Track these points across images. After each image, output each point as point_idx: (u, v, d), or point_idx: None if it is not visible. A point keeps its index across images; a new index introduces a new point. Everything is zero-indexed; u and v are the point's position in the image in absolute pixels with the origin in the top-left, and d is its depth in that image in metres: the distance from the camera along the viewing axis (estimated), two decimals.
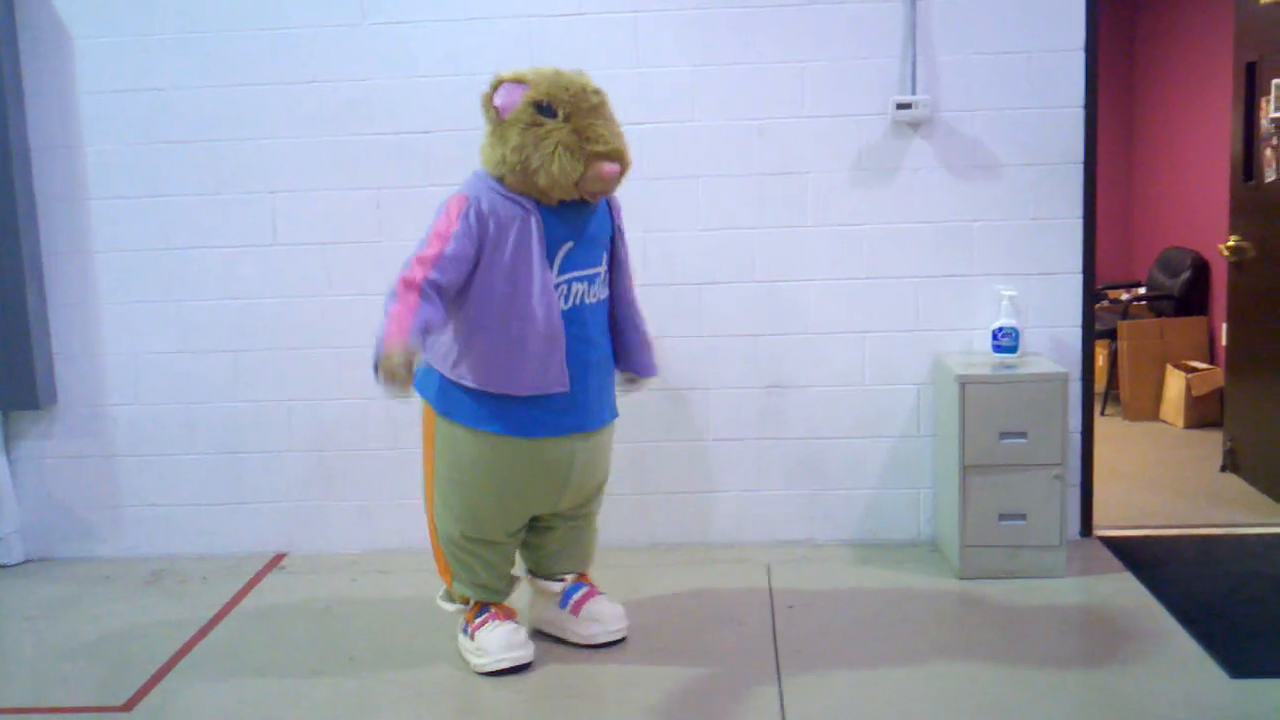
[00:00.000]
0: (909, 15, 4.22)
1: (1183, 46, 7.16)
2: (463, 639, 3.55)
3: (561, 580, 3.68)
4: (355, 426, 4.55)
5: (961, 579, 4.09)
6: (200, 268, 4.50)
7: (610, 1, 4.28)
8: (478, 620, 3.51)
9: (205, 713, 3.31)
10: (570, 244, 3.30)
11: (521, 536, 3.58)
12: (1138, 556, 4.25)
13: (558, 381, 3.28)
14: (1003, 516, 4.04)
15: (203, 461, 4.61)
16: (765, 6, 4.26)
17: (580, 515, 3.64)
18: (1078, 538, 4.44)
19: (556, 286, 3.27)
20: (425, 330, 3.17)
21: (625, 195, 4.25)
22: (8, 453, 4.59)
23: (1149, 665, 3.39)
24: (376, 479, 4.57)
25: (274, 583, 4.34)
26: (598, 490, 3.64)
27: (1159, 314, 6.78)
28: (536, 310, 3.21)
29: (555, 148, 3.15)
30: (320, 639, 3.81)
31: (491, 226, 3.20)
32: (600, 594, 3.70)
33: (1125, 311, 6.81)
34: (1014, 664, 3.42)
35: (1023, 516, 4.04)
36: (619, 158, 3.23)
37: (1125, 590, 3.96)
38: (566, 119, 3.17)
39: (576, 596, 3.66)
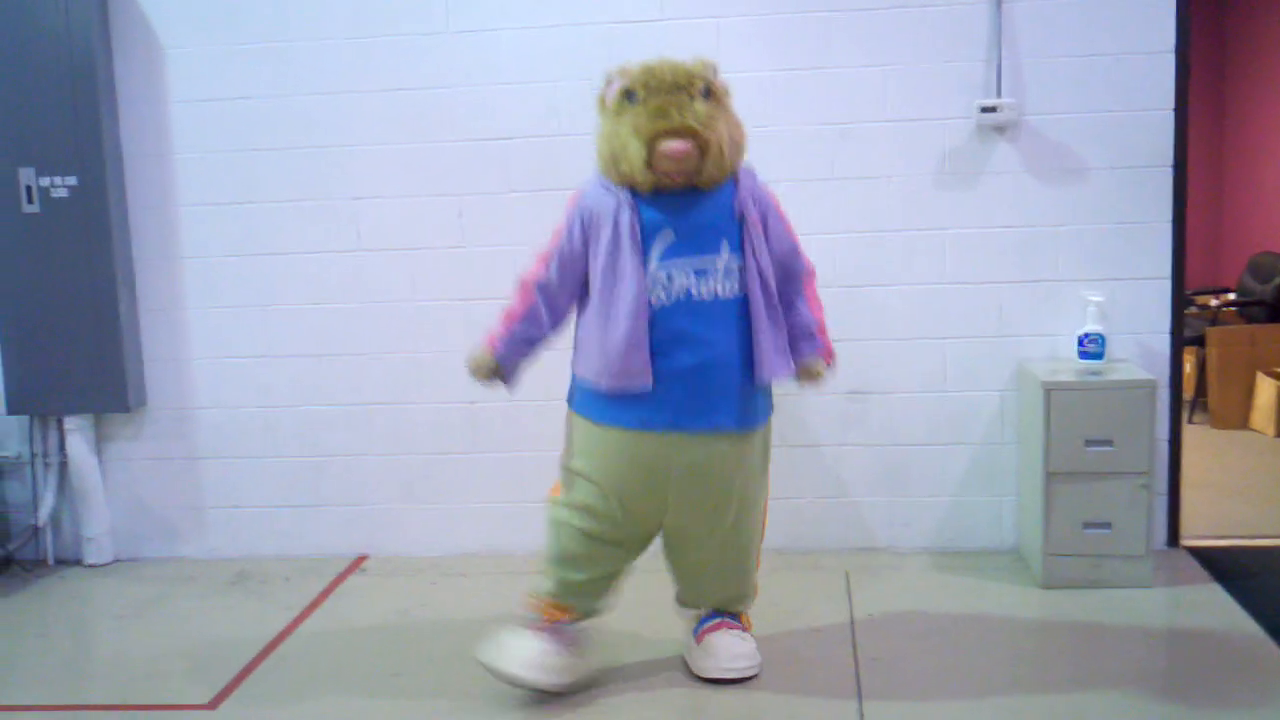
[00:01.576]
0: (993, 17, 4.18)
1: (1275, 48, 7.00)
2: (514, 629, 3.38)
3: (695, 610, 3.51)
4: (435, 431, 4.59)
5: (1044, 588, 4.02)
6: (284, 273, 4.57)
7: (692, 6, 4.29)
8: (536, 622, 3.36)
9: (288, 712, 3.36)
10: (669, 232, 3.14)
11: (629, 556, 3.39)
12: (1226, 567, 4.16)
13: (640, 377, 3.12)
14: (1087, 525, 3.97)
15: (285, 464, 4.67)
16: (847, 10, 4.23)
17: (716, 554, 3.37)
18: (1164, 548, 4.35)
19: (655, 278, 3.13)
20: (525, 345, 3.28)
21: None
22: (99, 454, 4.69)
23: (1236, 678, 3.31)
24: (456, 483, 4.61)
25: (355, 584, 4.39)
26: (720, 512, 3.29)
27: (1249, 320, 6.63)
28: (619, 301, 3.12)
29: (628, 133, 3.11)
30: (400, 641, 3.84)
31: (592, 221, 3.18)
32: (733, 628, 3.45)
33: (1214, 317, 6.67)
34: (1095, 675, 3.35)
35: (1108, 525, 3.97)
36: (686, 133, 3.06)
37: (1213, 602, 3.88)
38: (644, 102, 3.10)
39: (705, 626, 3.46)
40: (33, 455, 4.69)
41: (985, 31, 4.19)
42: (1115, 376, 4.00)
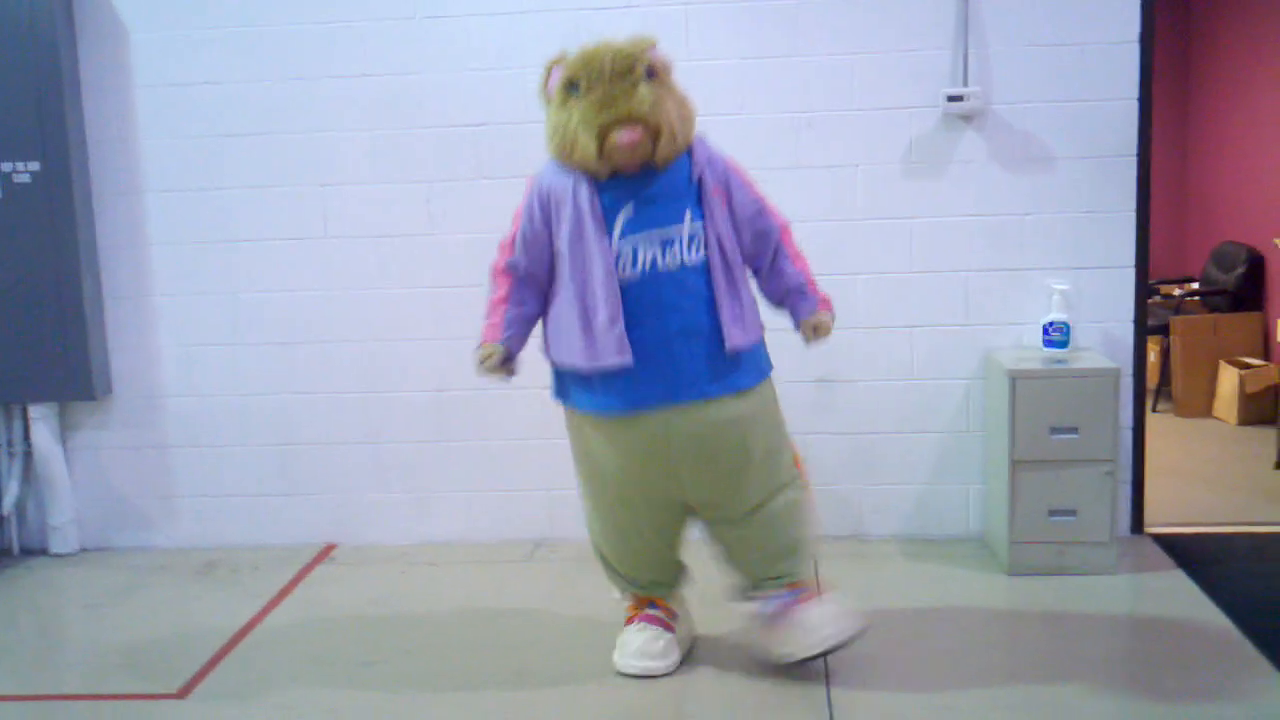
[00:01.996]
0: (960, 7, 4.20)
1: (1238, 39, 7.06)
2: (621, 632, 3.48)
3: (754, 599, 3.40)
4: (405, 419, 4.58)
5: (1010, 574, 4.06)
6: (253, 260, 4.55)
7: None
8: (630, 615, 3.47)
9: (259, 701, 3.35)
10: (629, 206, 3.12)
11: (674, 532, 3.39)
12: (1190, 554, 4.21)
13: (618, 352, 3.09)
14: (1053, 512, 4.02)
15: (255, 452, 4.66)
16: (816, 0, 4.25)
17: (753, 512, 3.30)
18: (1129, 534, 4.40)
19: (620, 254, 3.11)
20: (521, 324, 3.28)
21: None
22: (64, 443, 4.66)
23: (1198, 660, 3.36)
24: (426, 471, 4.60)
25: (324, 573, 4.39)
26: (740, 474, 3.24)
27: (1212, 309, 6.70)
28: (589, 279, 3.12)
29: (576, 125, 3.08)
30: (372, 630, 3.84)
31: (551, 201, 3.18)
32: (805, 601, 3.32)
33: (1178, 307, 6.74)
34: (1062, 662, 3.39)
35: (1073, 512, 4.01)
36: (634, 122, 3.03)
37: (1177, 588, 3.92)
38: (588, 93, 3.07)
39: (770, 610, 3.36)
40: None
41: (952, 20, 4.21)
42: (1080, 365, 4.04)
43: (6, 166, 4.39)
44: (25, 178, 4.40)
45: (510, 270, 3.26)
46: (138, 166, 4.54)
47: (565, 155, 3.14)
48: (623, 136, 3.03)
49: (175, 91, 4.49)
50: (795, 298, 3.33)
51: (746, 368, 3.25)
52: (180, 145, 4.52)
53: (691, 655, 3.50)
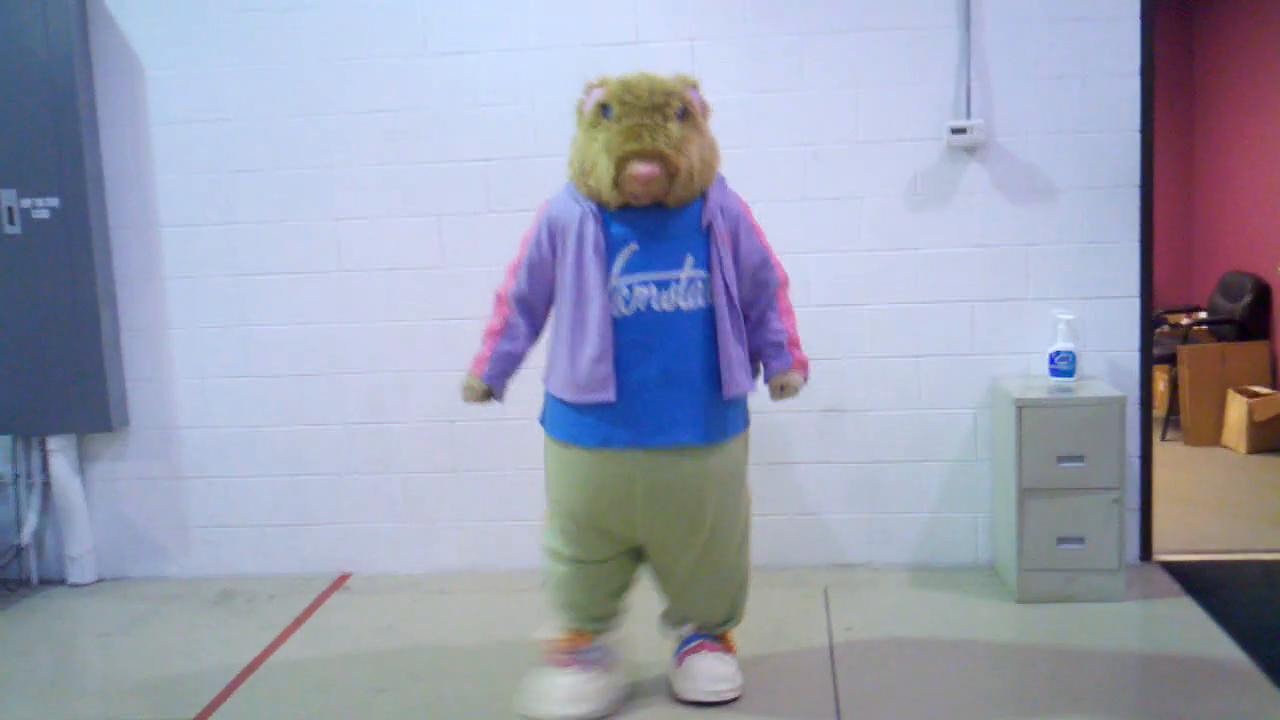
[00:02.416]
0: (963, 40, 4.26)
1: (1242, 70, 7.12)
2: (540, 673, 3.41)
3: (678, 630, 3.49)
4: (417, 449, 4.63)
5: (1019, 602, 4.08)
6: (266, 293, 4.61)
7: (668, 29, 4.36)
8: (558, 658, 3.38)
9: None
10: (633, 245, 3.13)
11: (623, 571, 3.38)
12: (1198, 581, 4.23)
13: (601, 388, 3.11)
14: (1061, 540, 4.04)
15: (268, 483, 4.71)
16: (819, 34, 4.31)
17: (694, 568, 3.33)
18: (1137, 562, 4.42)
19: (616, 290, 3.12)
20: (508, 360, 3.32)
21: None
22: (82, 474, 4.72)
23: (1207, 686, 3.38)
24: (437, 501, 4.64)
25: (338, 602, 4.42)
26: (693, 529, 3.25)
27: (1220, 338, 6.72)
28: (584, 314, 3.13)
29: (599, 150, 3.09)
30: (384, 657, 3.88)
31: (558, 230, 3.20)
32: (714, 649, 3.43)
33: (1186, 336, 6.77)
34: (1071, 684, 3.42)
35: (1081, 540, 4.03)
36: (654, 157, 3.03)
37: (1185, 615, 3.94)
38: (619, 120, 3.08)
39: (687, 648, 3.44)
40: (16, 475, 4.71)
41: (955, 54, 4.27)
42: (1086, 393, 4.07)
43: (26, 202, 4.46)
44: (44, 213, 4.48)
45: (511, 301, 3.30)
46: (153, 202, 4.61)
47: (582, 175, 3.16)
48: (640, 170, 3.03)
49: (189, 128, 4.56)
50: (773, 351, 3.35)
51: (730, 418, 3.26)
52: (194, 180, 4.59)
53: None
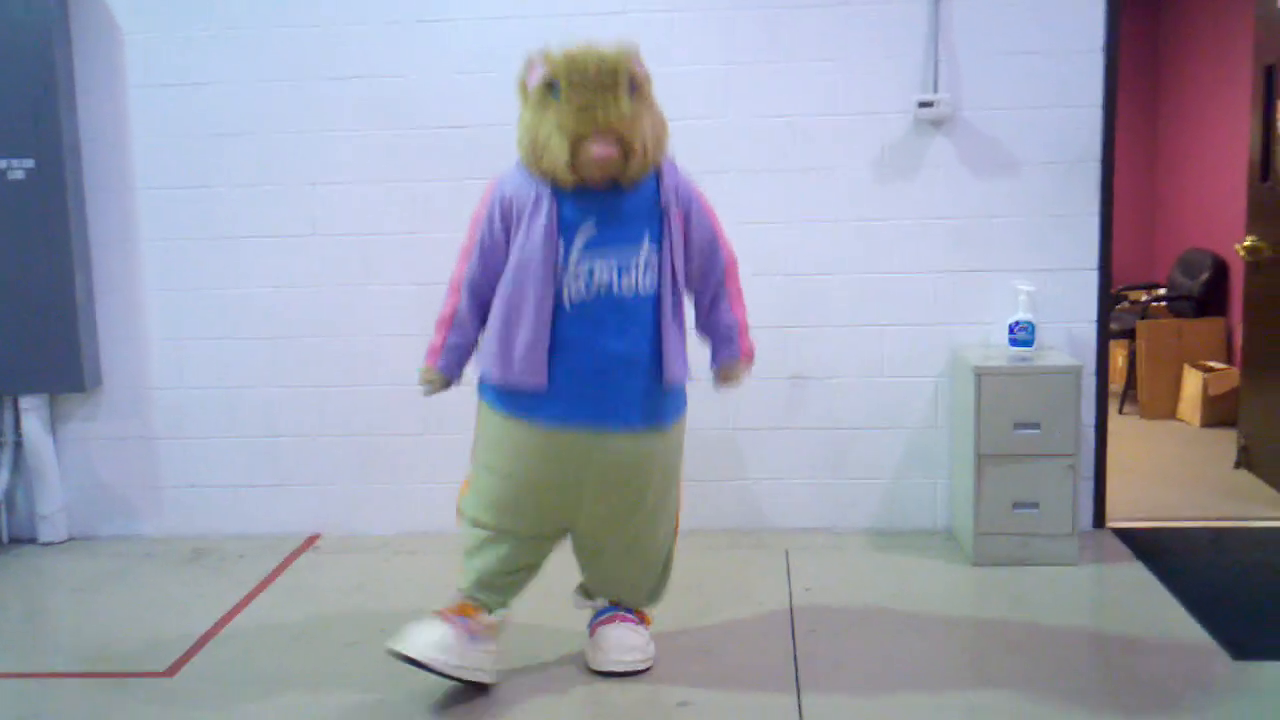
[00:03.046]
0: (932, 15, 4.34)
1: (1204, 48, 7.23)
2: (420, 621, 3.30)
3: (593, 601, 3.51)
4: (388, 412, 4.69)
5: (975, 565, 4.20)
6: (241, 257, 4.66)
7: (648, 1, 4.41)
8: (447, 614, 3.27)
9: (246, 679, 3.46)
10: (590, 225, 3.08)
11: (543, 549, 3.36)
12: (1149, 547, 4.35)
13: (535, 376, 3.09)
14: (1016, 505, 4.15)
15: (241, 444, 4.76)
16: (793, 7, 4.38)
17: (624, 551, 3.34)
18: (1090, 528, 4.54)
19: (576, 273, 3.07)
20: (459, 352, 3.27)
21: None
22: (54, 434, 4.76)
23: (1155, 646, 3.49)
24: (408, 463, 4.71)
25: (309, 561, 4.49)
26: (632, 511, 3.26)
27: (1178, 315, 6.85)
28: (523, 295, 3.08)
29: (551, 129, 3.01)
30: (355, 613, 3.95)
31: (512, 210, 3.12)
32: (626, 619, 3.44)
33: (1144, 312, 6.89)
34: (1023, 644, 3.53)
35: (1036, 505, 4.15)
36: (610, 138, 2.99)
37: (1135, 578, 4.07)
38: (568, 98, 2.99)
39: (600, 619, 3.46)
40: None
41: (924, 29, 4.35)
42: (1043, 363, 4.18)
43: (1, 163, 4.48)
44: (19, 174, 4.50)
45: (464, 289, 3.21)
46: (130, 165, 4.64)
47: (534, 160, 3.08)
48: (597, 150, 2.98)
49: (167, 92, 4.59)
50: (722, 339, 3.36)
51: (671, 405, 3.26)
52: (171, 144, 4.63)
53: (658, 623, 3.58)
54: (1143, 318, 6.80)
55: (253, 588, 4.20)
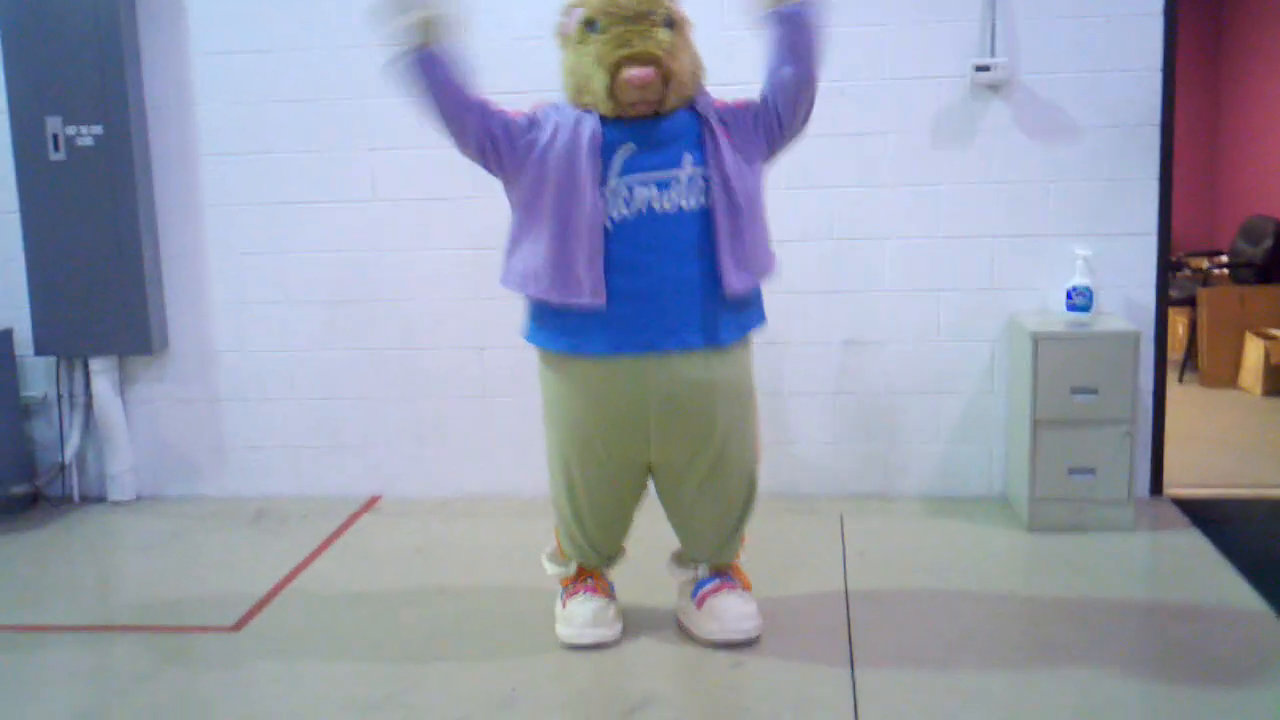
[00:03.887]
0: None
1: (1267, 13, 7.11)
2: (558, 604, 3.46)
3: (694, 569, 3.47)
4: (447, 375, 4.75)
5: (1030, 531, 4.20)
6: (303, 222, 4.73)
7: None
8: (572, 588, 3.43)
9: (309, 634, 3.54)
10: (630, 145, 3.07)
11: (629, 501, 3.36)
12: (1207, 515, 4.32)
13: (593, 292, 3.03)
14: (1072, 471, 4.14)
15: (302, 407, 4.85)
16: None
17: (705, 478, 3.26)
18: (1147, 496, 4.51)
19: (615, 191, 3.05)
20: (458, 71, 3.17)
21: None
22: (122, 395, 4.87)
23: (1211, 615, 3.48)
24: (467, 426, 4.77)
25: (369, 522, 4.57)
26: (705, 436, 3.18)
27: (1240, 282, 6.77)
28: (574, 214, 3.03)
29: (590, 63, 3.04)
30: (414, 573, 4.02)
31: (549, 118, 3.13)
32: (734, 589, 3.40)
33: (1206, 279, 6.82)
34: (1077, 609, 3.53)
35: (1092, 471, 4.13)
36: (648, 60, 2.99)
37: (1193, 547, 4.04)
38: (605, 31, 3.02)
39: (706, 589, 3.39)
40: (59, 395, 4.87)
41: None
42: (1101, 328, 4.16)
43: (70, 130, 4.58)
44: (88, 140, 4.59)
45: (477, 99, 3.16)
46: (194, 131, 4.72)
47: (577, 96, 3.12)
48: (635, 74, 2.99)
49: (229, 59, 4.66)
50: (728, 265, 3.13)
51: (733, 321, 3.18)
52: (233, 111, 4.70)
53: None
54: (1204, 285, 6.72)
55: (315, 548, 4.28)
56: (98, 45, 4.53)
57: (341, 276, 4.74)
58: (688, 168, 3.08)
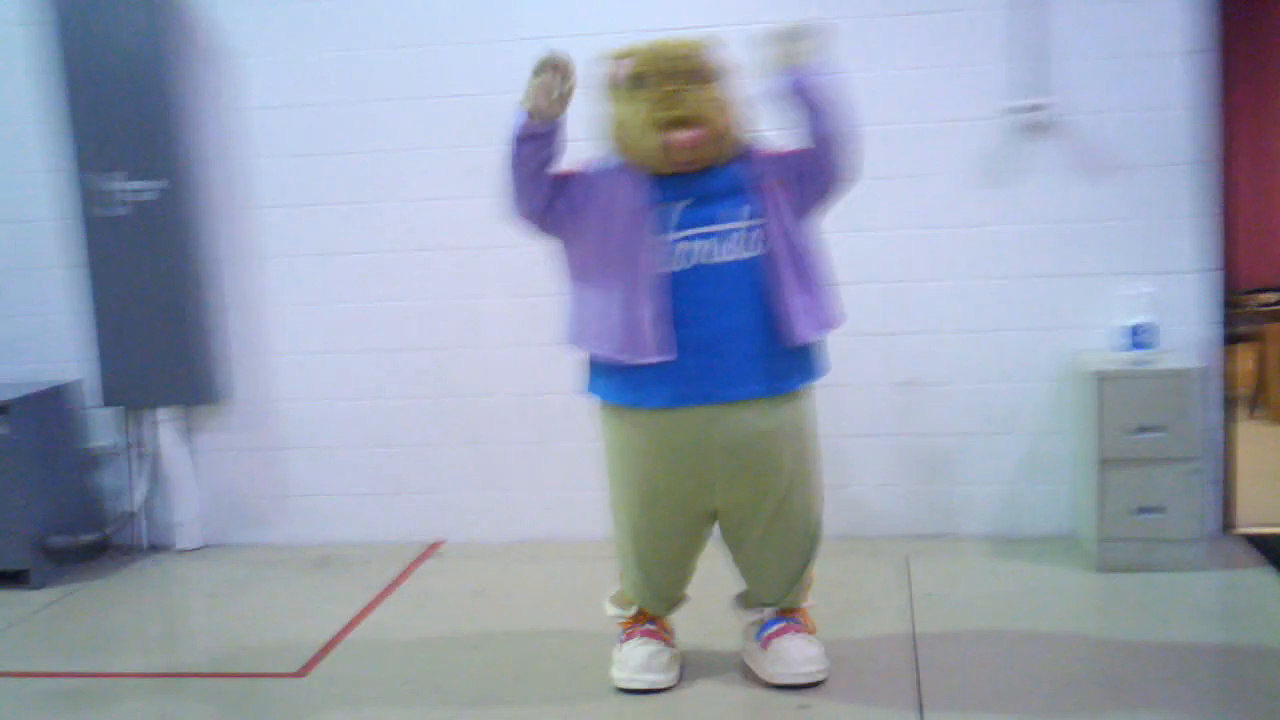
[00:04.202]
0: (1031, 20, 4.29)
1: None
2: (615, 647, 3.43)
3: (759, 610, 3.44)
4: (507, 422, 4.77)
5: (1099, 571, 4.13)
6: (359, 271, 4.79)
7: (739, 16, 4.42)
8: (630, 631, 3.42)
9: (373, 680, 3.55)
10: (687, 200, 3.08)
11: (693, 548, 3.36)
12: (1279, 552, 4.23)
13: (659, 350, 3.05)
14: (1141, 510, 4.07)
15: (364, 454, 4.88)
16: (889, 15, 4.38)
17: (771, 521, 3.27)
18: (1218, 533, 4.43)
19: (671, 246, 3.06)
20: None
21: None
22: (189, 444, 4.93)
23: None
24: (525, 472, 4.79)
25: (431, 568, 4.59)
26: (768, 481, 3.20)
27: None
28: (635, 272, 3.06)
29: (641, 120, 3.06)
30: (477, 618, 4.03)
31: (604, 180, 3.15)
32: (799, 631, 3.38)
33: (1273, 315, 6.71)
34: (1150, 652, 3.46)
35: (1161, 510, 4.06)
36: (690, 123, 3.01)
37: (1265, 584, 3.96)
38: (655, 88, 3.05)
39: (771, 630, 3.38)
40: (126, 445, 4.95)
41: (1024, 33, 4.30)
42: (1165, 365, 4.10)
43: (134, 185, 4.67)
44: (151, 195, 4.68)
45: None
46: (252, 183, 4.80)
47: (625, 149, 3.13)
48: (684, 137, 3.01)
49: (282, 113, 4.75)
50: (788, 315, 3.13)
51: (795, 368, 3.20)
52: (288, 163, 4.77)
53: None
54: (1271, 320, 6.61)
55: (378, 593, 4.30)
56: (157, 102, 4.63)
57: (400, 324, 4.79)
58: (745, 219, 3.10)
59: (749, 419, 3.12)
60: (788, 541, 3.34)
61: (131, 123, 4.65)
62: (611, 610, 3.52)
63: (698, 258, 3.07)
